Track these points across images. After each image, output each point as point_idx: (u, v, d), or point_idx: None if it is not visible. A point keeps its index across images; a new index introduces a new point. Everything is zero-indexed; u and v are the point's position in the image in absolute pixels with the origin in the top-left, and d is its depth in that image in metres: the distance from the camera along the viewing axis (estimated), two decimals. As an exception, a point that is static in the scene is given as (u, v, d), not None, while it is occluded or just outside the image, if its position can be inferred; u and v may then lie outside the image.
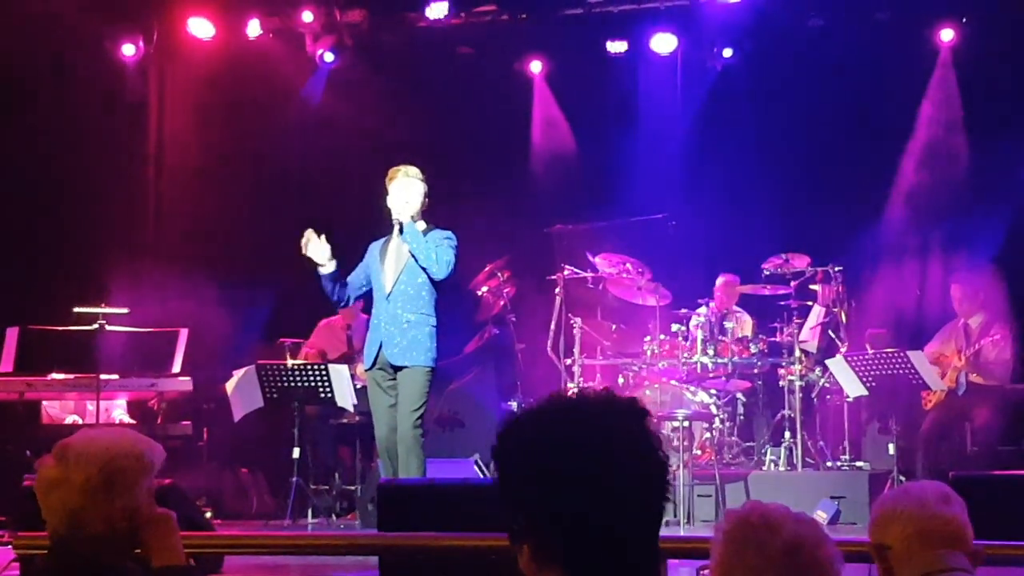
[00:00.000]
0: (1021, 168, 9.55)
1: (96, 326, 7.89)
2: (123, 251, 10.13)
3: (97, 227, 9.81)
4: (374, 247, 6.92)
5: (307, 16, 10.54)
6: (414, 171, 6.82)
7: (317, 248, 6.72)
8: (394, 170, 6.83)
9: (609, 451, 1.76)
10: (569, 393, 1.85)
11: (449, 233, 6.77)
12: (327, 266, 6.76)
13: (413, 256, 6.68)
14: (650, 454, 1.80)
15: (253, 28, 10.64)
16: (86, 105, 10.07)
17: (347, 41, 10.57)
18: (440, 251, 6.65)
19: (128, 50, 10.62)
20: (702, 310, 9.40)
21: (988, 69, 9.79)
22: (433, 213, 6.94)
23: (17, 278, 9.40)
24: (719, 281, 9.68)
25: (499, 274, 9.45)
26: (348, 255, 7.52)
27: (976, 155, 9.83)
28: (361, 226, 6.90)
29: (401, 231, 6.69)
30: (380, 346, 6.70)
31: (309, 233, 6.73)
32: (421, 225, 6.79)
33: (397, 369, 6.66)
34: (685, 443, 8.25)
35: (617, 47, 10.56)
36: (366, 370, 6.93)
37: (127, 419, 8.56)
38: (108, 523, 2.74)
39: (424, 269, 6.66)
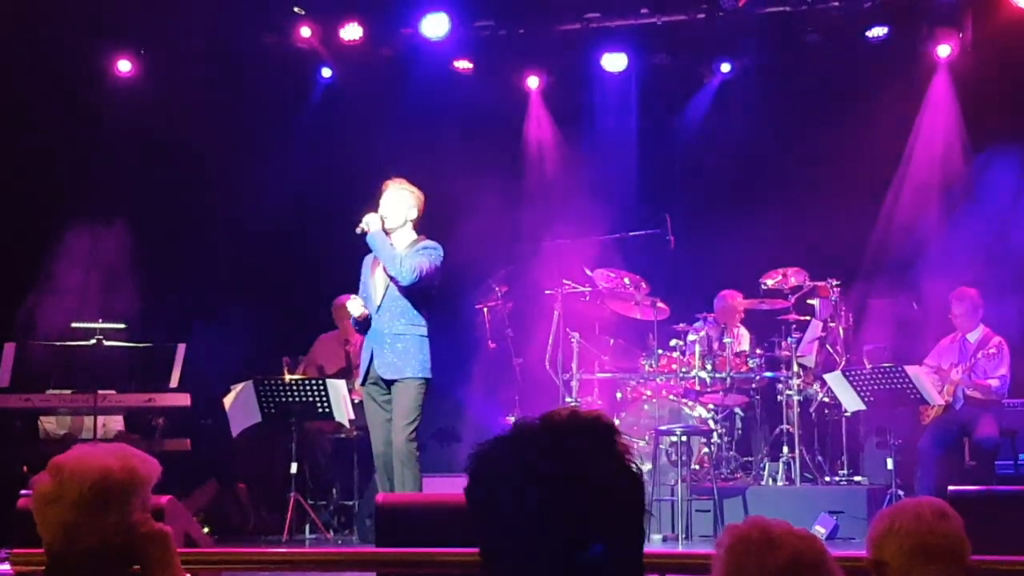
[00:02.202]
0: (1018, 182, 9.58)
1: (93, 341, 7.88)
2: (121, 265, 10.12)
3: (95, 240, 9.80)
4: (366, 261, 6.95)
5: (305, 32, 10.56)
6: (404, 182, 6.87)
7: (359, 311, 6.83)
8: (387, 182, 6.89)
9: (578, 473, 1.73)
10: (534, 419, 1.79)
11: (434, 244, 6.77)
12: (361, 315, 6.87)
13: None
14: (621, 469, 1.76)
15: (251, 44, 10.65)
16: (82, 120, 10.08)
17: (345, 56, 10.59)
18: (406, 258, 6.64)
19: (124, 66, 10.62)
20: (699, 324, 9.41)
21: (985, 84, 9.80)
22: (431, 228, 6.96)
23: (14, 293, 9.39)
24: (721, 300, 9.68)
25: (497, 289, 9.45)
26: (347, 269, 7.52)
27: (973, 169, 9.85)
28: (359, 240, 6.90)
29: (364, 238, 6.73)
30: (371, 359, 6.70)
31: (352, 306, 6.86)
32: (410, 235, 6.80)
33: (390, 383, 6.66)
34: (683, 458, 8.24)
35: (614, 62, 10.58)
36: (360, 384, 6.93)
37: (125, 434, 8.54)
38: (102, 538, 2.74)
39: (392, 277, 6.66)
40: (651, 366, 8.96)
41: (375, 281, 6.82)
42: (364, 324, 6.87)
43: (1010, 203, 9.57)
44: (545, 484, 1.72)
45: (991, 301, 8.71)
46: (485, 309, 9.59)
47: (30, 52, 9.74)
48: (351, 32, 10.33)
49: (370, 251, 6.90)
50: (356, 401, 8.15)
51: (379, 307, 6.75)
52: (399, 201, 6.79)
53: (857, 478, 8.80)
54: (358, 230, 6.74)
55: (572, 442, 1.76)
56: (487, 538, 1.77)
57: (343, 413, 8.14)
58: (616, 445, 1.77)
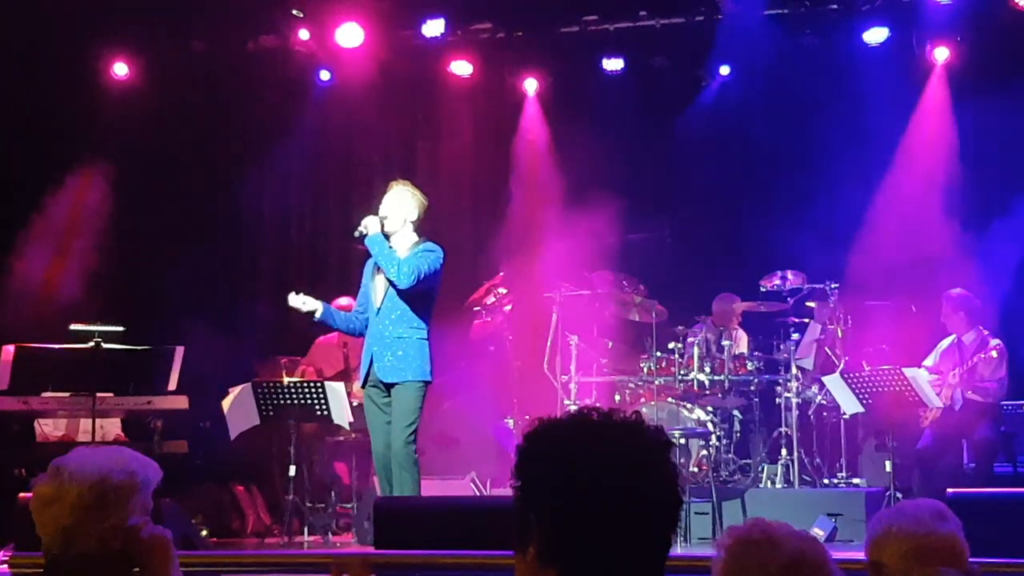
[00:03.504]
0: (1015, 183, 9.59)
1: (92, 344, 7.87)
2: (119, 268, 10.12)
3: (94, 244, 9.80)
4: (368, 264, 6.94)
5: (303, 34, 10.56)
6: (408, 184, 6.88)
7: (300, 305, 6.84)
8: (392, 183, 6.90)
9: (634, 473, 1.82)
10: (599, 410, 1.91)
11: (434, 246, 6.76)
12: (318, 311, 6.83)
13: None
14: (670, 485, 1.86)
15: (249, 47, 10.65)
16: (79, 123, 10.07)
17: (343, 59, 10.58)
18: (404, 262, 6.63)
19: (121, 69, 10.60)
20: (697, 326, 9.41)
21: (982, 87, 9.81)
22: (430, 230, 6.96)
23: (13, 296, 9.39)
24: (719, 303, 9.69)
25: (496, 292, 9.45)
26: (345, 271, 7.53)
27: (970, 171, 9.86)
28: (357, 242, 6.91)
29: (363, 241, 6.73)
30: (371, 362, 6.70)
31: (291, 298, 6.86)
32: (412, 237, 6.80)
33: (390, 386, 6.65)
34: (682, 460, 8.24)
35: (613, 65, 10.58)
36: (360, 387, 6.93)
37: (122, 437, 8.52)
38: (100, 541, 2.74)
39: (391, 281, 6.66)
40: (650, 368, 8.96)
41: (376, 284, 6.81)
42: (328, 317, 6.88)
43: (1006, 205, 9.58)
44: (601, 472, 1.81)
45: (989, 302, 8.72)
46: (484, 311, 9.59)
47: (28, 55, 9.74)
48: (350, 35, 10.32)
49: (370, 255, 6.89)
50: (355, 404, 8.15)
51: (379, 310, 6.74)
52: (400, 202, 6.79)
53: (856, 480, 8.80)
54: (356, 233, 6.74)
55: (636, 443, 1.86)
56: (527, 507, 1.84)
57: (342, 416, 8.14)
58: (670, 460, 1.87)
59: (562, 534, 1.79)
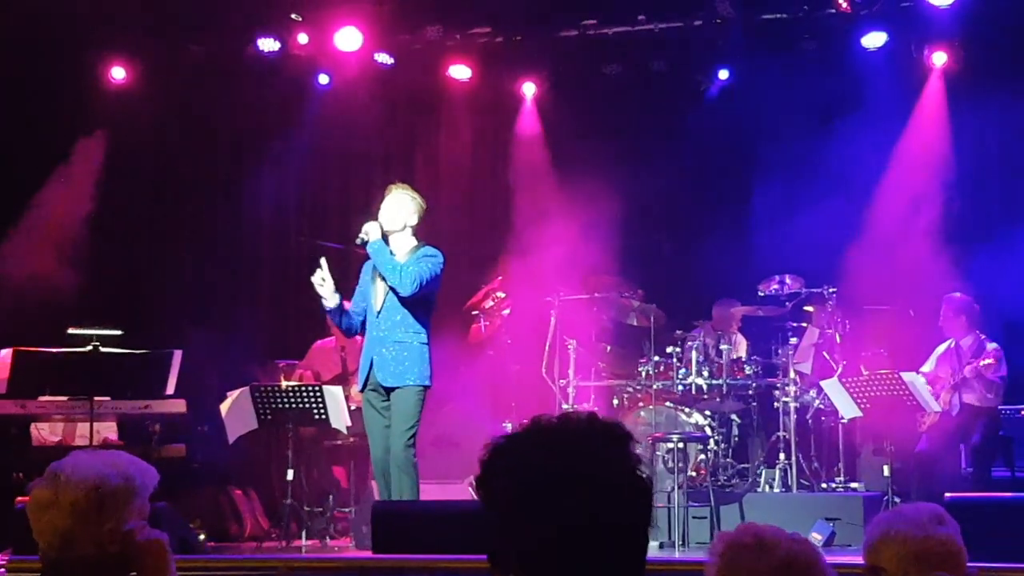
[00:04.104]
0: (1013, 186, 9.60)
1: (89, 347, 7.87)
2: (117, 272, 10.12)
3: (92, 246, 9.80)
4: (367, 267, 6.94)
5: (302, 38, 10.55)
6: (407, 187, 6.89)
7: (320, 282, 6.78)
8: (390, 186, 6.91)
9: (591, 475, 1.76)
10: (551, 417, 1.84)
11: (434, 251, 6.76)
12: (330, 300, 6.80)
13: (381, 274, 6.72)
14: (633, 478, 1.79)
15: (248, 51, 10.64)
16: (77, 126, 10.07)
17: (342, 63, 10.58)
18: (406, 269, 6.64)
19: (118, 73, 10.59)
20: (696, 331, 9.41)
21: (980, 92, 9.82)
22: (429, 234, 6.96)
23: (10, 299, 9.39)
24: (718, 307, 9.69)
25: (494, 296, 9.45)
26: (345, 274, 7.53)
27: (968, 175, 9.87)
28: (356, 245, 6.91)
29: (365, 247, 6.72)
30: (371, 366, 6.70)
31: (320, 276, 6.80)
32: (411, 241, 6.80)
33: (389, 390, 6.65)
34: (680, 464, 8.24)
35: (612, 69, 10.58)
36: (359, 391, 6.93)
37: (112, 440, 8.51)
38: (98, 545, 2.73)
39: (392, 288, 6.65)
40: (648, 373, 8.96)
41: (376, 288, 6.81)
42: (337, 312, 6.85)
43: (1004, 208, 9.58)
44: (557, 482, 1.74)
45: (987, 307, 8.72)
46: (482, 315, 9.59)
47: (25, 58, 9.74)
48: (348, 39, 10.32)
49: (368, 257, 6.89)
50: (353, 408, 8.15)
51: (379, 314, 6.74)
52: (400, 206, 6.80)
53: (854, 485, 8.79)
54: (358, 240, 6.74)
55: (588, 443, 1.79)
56: (497, 536, 1.79)
57: (340, 420, 8.14)
58: (630, 453, 1.80)
59: (539, 556, 1.74)
